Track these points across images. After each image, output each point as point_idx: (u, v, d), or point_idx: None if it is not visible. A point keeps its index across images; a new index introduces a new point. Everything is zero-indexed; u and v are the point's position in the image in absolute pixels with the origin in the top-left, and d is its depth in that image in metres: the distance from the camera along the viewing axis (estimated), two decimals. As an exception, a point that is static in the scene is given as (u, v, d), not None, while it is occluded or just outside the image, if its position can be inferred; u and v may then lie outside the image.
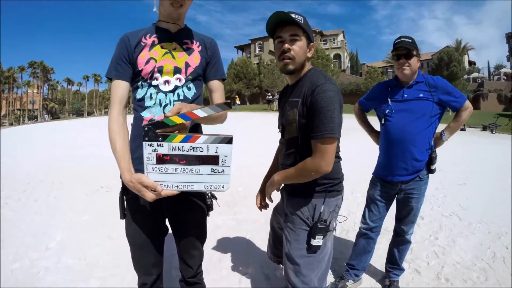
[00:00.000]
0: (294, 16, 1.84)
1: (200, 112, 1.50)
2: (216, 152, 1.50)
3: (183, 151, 1.49)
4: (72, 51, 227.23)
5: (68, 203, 5.81)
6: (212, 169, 1.53)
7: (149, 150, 1.47)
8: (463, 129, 20.46)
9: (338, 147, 2.02)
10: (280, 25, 1.91)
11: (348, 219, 4.86)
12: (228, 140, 1.50)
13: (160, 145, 1.47)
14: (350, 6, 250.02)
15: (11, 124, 59.26)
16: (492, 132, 19.84)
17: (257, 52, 66.24)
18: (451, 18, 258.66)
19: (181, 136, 1.48)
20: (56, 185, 7.11)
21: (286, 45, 1.89)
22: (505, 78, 50.80)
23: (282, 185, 2.24)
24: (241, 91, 54.91)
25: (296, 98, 1.93)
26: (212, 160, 1.51)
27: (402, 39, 2.64)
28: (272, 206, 2.57)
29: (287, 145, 2.09)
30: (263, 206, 2.41)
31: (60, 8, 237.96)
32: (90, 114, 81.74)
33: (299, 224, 2.04)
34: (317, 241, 1.95)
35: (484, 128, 20.82)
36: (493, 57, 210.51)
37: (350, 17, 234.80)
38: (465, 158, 10.18)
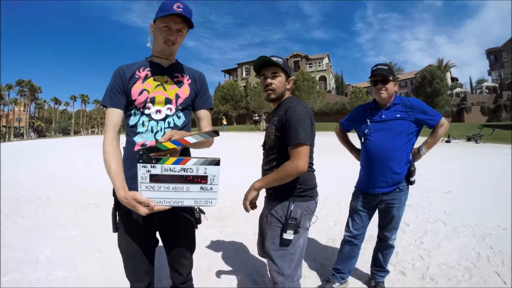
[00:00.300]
0: (275, 59, 2.35)
1: (191, 139, 1.68)
2: (205, 173, 1.66)
3: (174, 172, 1.64)
4: (60, 71, 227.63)
5: (57, 219, 5.76)
6: (201, 187, 1.68)
7: (143, 171, 1.63)
8: (448, 141, 20.86)
9: (311, 158, 2.35)
10: (264, 66, 2.42)
11: (335, 227, 5.02)
12: (216, 162, 1.67)
13: (153, 166, 1.63)
14: (334, 32, 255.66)
15: (-3, 141, 58.28)
16: (476, 142, 20.29)
17: (244, 75, 67.62)
18: (433, 39, 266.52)
19: (172, 159, 1.64)
20: (44, 202, 7.04)
21: (269, 80, 2.39)
22: (487, 91, 52.20)
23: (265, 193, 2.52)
24: (228, 112, 56.01)
25: (275, 117, 2.37)
26: (201, 179, 1.67)
27: (379, 66, 2.89)
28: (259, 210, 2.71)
29: (266, 154, 2.46)
30: (250, 208, 2.55)
31: (50, 29, 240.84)
32: (76, 133, 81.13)
33: (275, 223, 2.37)
34: (288, 235, 2.27)
35: (469, 139, 21.30)
36: (474, 72, 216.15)
37: (335, 42, 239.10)
38: (450, 168, 10.39)
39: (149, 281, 2.11)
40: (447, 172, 9.63)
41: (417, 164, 2.99)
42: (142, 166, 1.62)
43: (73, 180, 9.87)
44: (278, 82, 2.39)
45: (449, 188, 7.56)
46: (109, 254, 4.06)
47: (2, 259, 4.05)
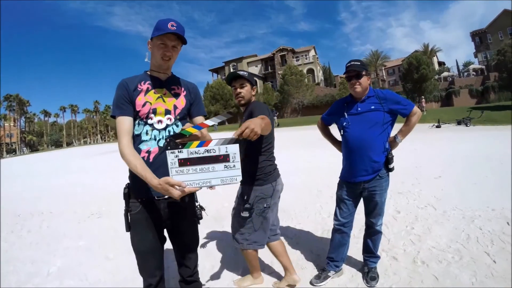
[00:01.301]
0: (241, 73, 3.07)
1: (209, 122, 1.96)
2: (226, 152, 1.84)
3: (199, 154, 1.84)
4: (48, 82, 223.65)
5: (62, 231, 5.89)
6: (225, 165, 1.86)
7: (172, 157, 1.82)
8: (438, 126, 21.07)
9: (271, 151, 3.12)
10: (234, 79, 3.12)
11: (328, 219, 5.19)
12: (234, 141, 1.86)
13: (180, 151, 1.83)
14: (319, 23, 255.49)
15: (-10, 159, 57.67)
16: (466, 126, 20.49)
17: (231, 74, 67.34)
18: (417, 24, 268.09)
19: (196, 143, 1.85)
20: (47, 216, 7.15)
21: (238, 90, 3.08)
22: (474, 73, 52.60)
23: None
24: (219, 112, 55.54)
25: (244, 117, 3.01)
26: (224, 158, 1.85)
27: (352, 62, 3.11)
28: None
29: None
30: None
31: (33, 40, 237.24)
32: (69, 144, 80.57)
33: (237, 200, 3.23)
34: (244, 213, 3.03)
35: (459, 123, 21.54)
36: (460, 55, 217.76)
37: (320, 33, 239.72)
38: (440, 153, 10.56)
39: (160, 275, 2.33)
40: (438, 158, 9.84)
41: (408, 152, 3.21)
42: (171, 153, 1.81)
43: (71, 191, 9.99)
44: (245, 90, 3.09)
45: (439, 173, 7.74)
46: (118, 261, 4.24)
47: (13, 273, 4.20)
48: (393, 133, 3.20)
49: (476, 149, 10.79)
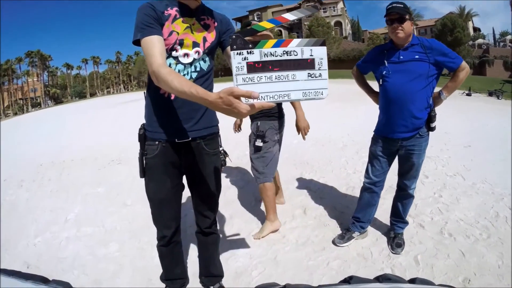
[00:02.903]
0: (254, 22, 2.91)
1: (289, 16, 1.48)
2: (311, 55, 1.37)
3: (276, 56, 1.34)
4: (68, 36, 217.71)
5: (81, 179, 5.96)
6: (308, 73, 1.37)
7: (238, 60, 1.32)
8: (469, 94, 20.34)
9: None
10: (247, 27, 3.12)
11: (354, 175, 5.11)
12: (322, 42, 1.40)
13: (250, 52, 1.32)
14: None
15: (15, 114, 59.39)
16: (498, 98, 19.57)
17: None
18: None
19: (272, 41, 1.35)
20: (68, 164, 7.25)
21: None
22: (510, 45, 49.89)
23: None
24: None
25: None
26: (308, 64, 1.37)
27: (394, 4, 2.70)
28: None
29: None
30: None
31: None
32: (92, 95, 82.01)
33: (251, 135, 3.46)
34: (258, 143, 3.33)
35: (490, 94, 20.61)
36: (497, 24, 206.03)
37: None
38: (471, 122, 10.07)
39: (176, 227, 2.18)
40: (468, 126, 9.37)
41: (436, 116, 2.89)
42: (237, 54, 1.31)
43: (92, 140, 10.15)
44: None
45: (468, 142, 7.35)
46: (135, 208, 4.26)
47: (33, 222, 4.28)
48: (436, 89, 2.90)
49: (507, 124, 10.15)
